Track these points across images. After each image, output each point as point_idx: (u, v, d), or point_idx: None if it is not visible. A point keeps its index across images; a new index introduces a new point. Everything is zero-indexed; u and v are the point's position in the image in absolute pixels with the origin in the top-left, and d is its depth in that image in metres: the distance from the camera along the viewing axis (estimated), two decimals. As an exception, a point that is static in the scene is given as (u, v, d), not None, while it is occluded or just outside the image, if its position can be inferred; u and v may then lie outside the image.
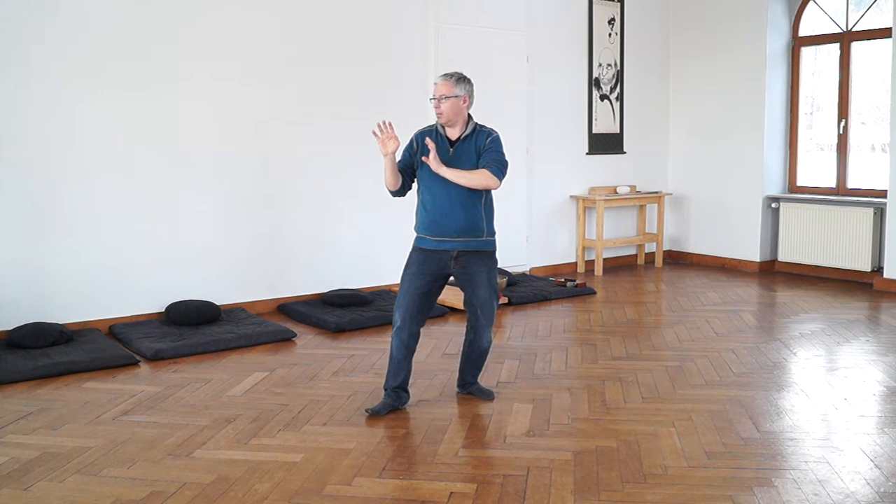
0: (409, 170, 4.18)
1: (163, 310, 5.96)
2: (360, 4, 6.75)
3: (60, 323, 5.52)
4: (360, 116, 6.52)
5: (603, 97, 8.46)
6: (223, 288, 6.22)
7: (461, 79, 4.09)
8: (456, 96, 4.04)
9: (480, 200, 4.12)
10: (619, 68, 8.55)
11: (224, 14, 6.11)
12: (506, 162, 4.08)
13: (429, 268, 4.10)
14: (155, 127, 5.88)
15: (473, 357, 4.31)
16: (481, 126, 4.16)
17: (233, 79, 6.18)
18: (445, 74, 4.11)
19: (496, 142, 4.11)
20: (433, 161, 3.96)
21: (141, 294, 5.90)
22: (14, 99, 5.37)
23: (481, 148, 4.08)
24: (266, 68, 6.33)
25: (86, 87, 5.60)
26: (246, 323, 5.78)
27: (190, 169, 6.04)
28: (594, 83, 8.36)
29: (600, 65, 8.39)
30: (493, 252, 4.21)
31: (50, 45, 5.45)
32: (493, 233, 4.20)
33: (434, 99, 4.06)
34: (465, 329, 4.32)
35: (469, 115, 4.14)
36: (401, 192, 4.21)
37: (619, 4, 8.47)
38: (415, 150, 4.15)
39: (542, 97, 7.94)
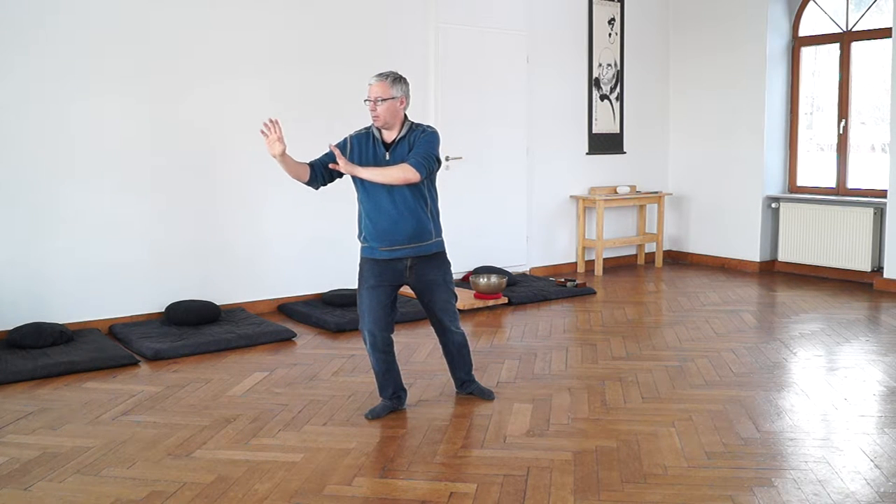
0: (329, 170, 4.00)
1: (163, 310, 5.95)
2: (360, 4, 6.75)
3: (60, 323, 5.52)
4: (361, 117, 6.47)
5: (603, 97, 8.46)
6: (223, 288, 6.22)
7: (397, 79, 3.93)
8: (392, 98, 3.88)
9: (425, 203, 4.01)
10: (619, 68, 8.55)
11: (224, 14, 6.12)
12: (434, 156, 3.90)
13: (386, 279, 4.01)
14: (155, 127, 5.88)
15: (454, 353, 4.27)
16: (417, 124, 4.03)
17: (233, 79, 6.18)
18: (380, 75, 3.93)
19: (428, 135, 3.95)
20: (342, 165, 3.83)
21: (141, 294, 5.90)
22: (14, 99, 5.37)
23: (413, 144, 3.95)
24: (266, 68, 6.33)
25: (86, 88, 5.60)
26: (246, 323, 5.78)
27: (190, 169, 6.04)
28: (594, 83, 8.36)
29: (600, 65, 8.39)
30: (444, 253, 4.13)
31: (50, 46, 5.45)
32: (440, 233, 4.11)
33: (369, 101, 3.89)
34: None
35: (405, 116, 4.01)
36: (313, 183, 4.02)
37: (619, 4, 8.47)
38: (347, 150, 3.99)
39: (542, 97, 7.94)
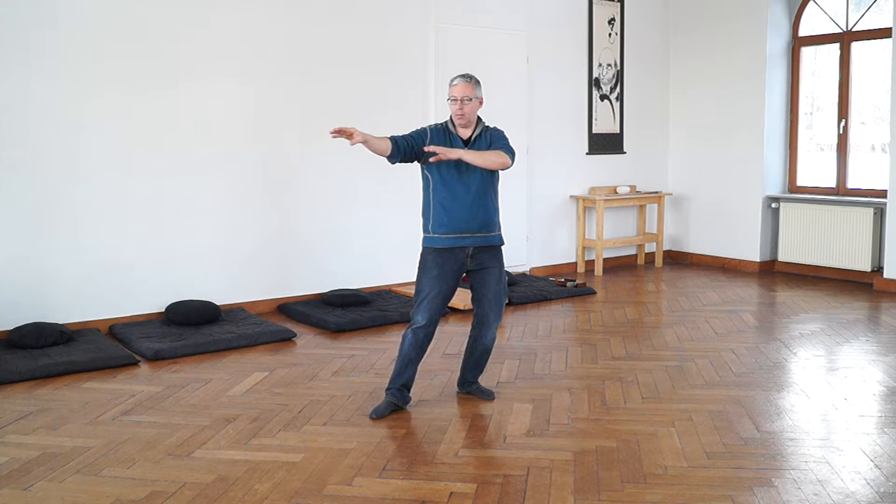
0: (411, 150, 4.11)
1: (163, 310, 5.95)
2: (360, 5, 6.75)
3: (60, 323, 5.52)
4: (361, 117, 6.52)
5: (603, 97, 8.46)
6: (223, 288, 6.22)
7: (477, 81, 4.20)
8: (476, 97, 4.14)
9: (495, 196, 4.24)
10: (619, 68, 8.55)
11: (224, 14, 6.11)
12: (513, 150, 4.22)
13: (449, 268, 4.13)
14: (155, 127, 5.88)
15: (476, 355, 4.32)
16: (488, 125, 4.28)
17: (233, 79, 6.18)
18: (464, 76, 4.16)
19: (503, 133, 4.27)
20: (445, 152, 3.96)
21: (141, 294, 5.90)
22: (14, 99, 5.37)
23: (490, 141, 4.20)
24: (267, 68, 6.32)
25: (86, 87, 5.60)
26: (246, 323, 5.78)
27: (190, 169, 6.04)
28: (594, 83, 8.36)
29: (600, 65, 8.39)
30: (502, 246, 4.29)
31: (50, 46, 5.45)
32: (500, 227, 4.29)
33: (456, 100, 4.10)
34: (468, 328, 4.33)
35: (478, 116, 4.26)
36: (392, 158, 4.10)
37: (619, 4, 8.47)
38: (427, 141, 4.14)
39: (542, 97, 7.94)
